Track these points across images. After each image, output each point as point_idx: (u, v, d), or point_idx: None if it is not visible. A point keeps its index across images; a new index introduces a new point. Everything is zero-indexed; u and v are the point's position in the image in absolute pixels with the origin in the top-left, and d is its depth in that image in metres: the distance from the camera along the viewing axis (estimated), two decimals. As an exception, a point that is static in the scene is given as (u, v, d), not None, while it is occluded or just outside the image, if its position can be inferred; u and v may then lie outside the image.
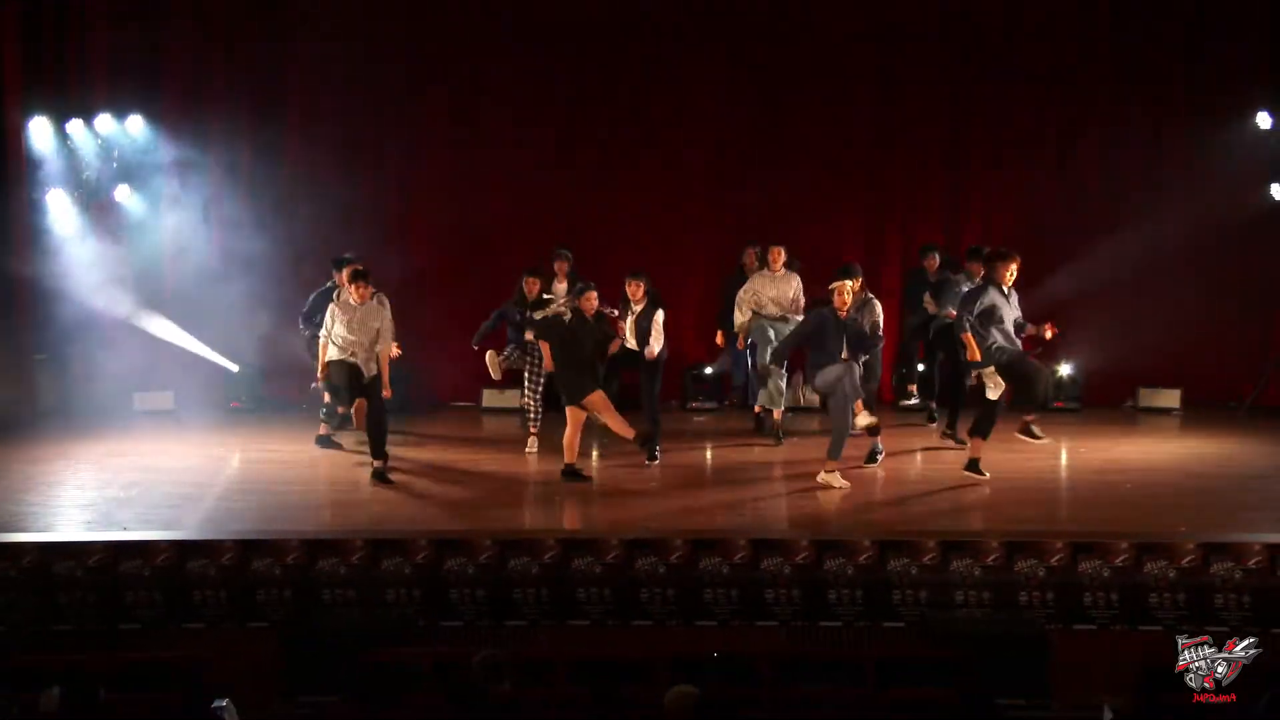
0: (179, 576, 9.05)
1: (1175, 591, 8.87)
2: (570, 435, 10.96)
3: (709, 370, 14.52)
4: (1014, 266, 10.48)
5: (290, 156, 15.25)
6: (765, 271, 12.64)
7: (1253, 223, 14.70)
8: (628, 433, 10.90)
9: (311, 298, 12.28)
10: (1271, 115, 14.28)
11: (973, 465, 10.75)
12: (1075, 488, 10.70)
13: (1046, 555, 8.96)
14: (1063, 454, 12.30)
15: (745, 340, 12.74)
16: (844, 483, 10.65)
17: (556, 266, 13.16)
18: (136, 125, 14.50)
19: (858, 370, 10.72)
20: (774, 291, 12.48)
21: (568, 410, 10.98)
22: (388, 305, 11.51)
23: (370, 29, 15.13)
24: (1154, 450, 12.70)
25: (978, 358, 10.54)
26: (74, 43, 14.67)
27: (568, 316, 11.18)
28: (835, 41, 15.17)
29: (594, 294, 11.05)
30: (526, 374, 12.20)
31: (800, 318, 12.25)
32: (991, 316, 10.45)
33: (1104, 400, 14.99)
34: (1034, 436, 10.75)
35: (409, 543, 9.17)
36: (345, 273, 11.36)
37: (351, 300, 10.91)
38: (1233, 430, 13.55)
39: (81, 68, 14.68)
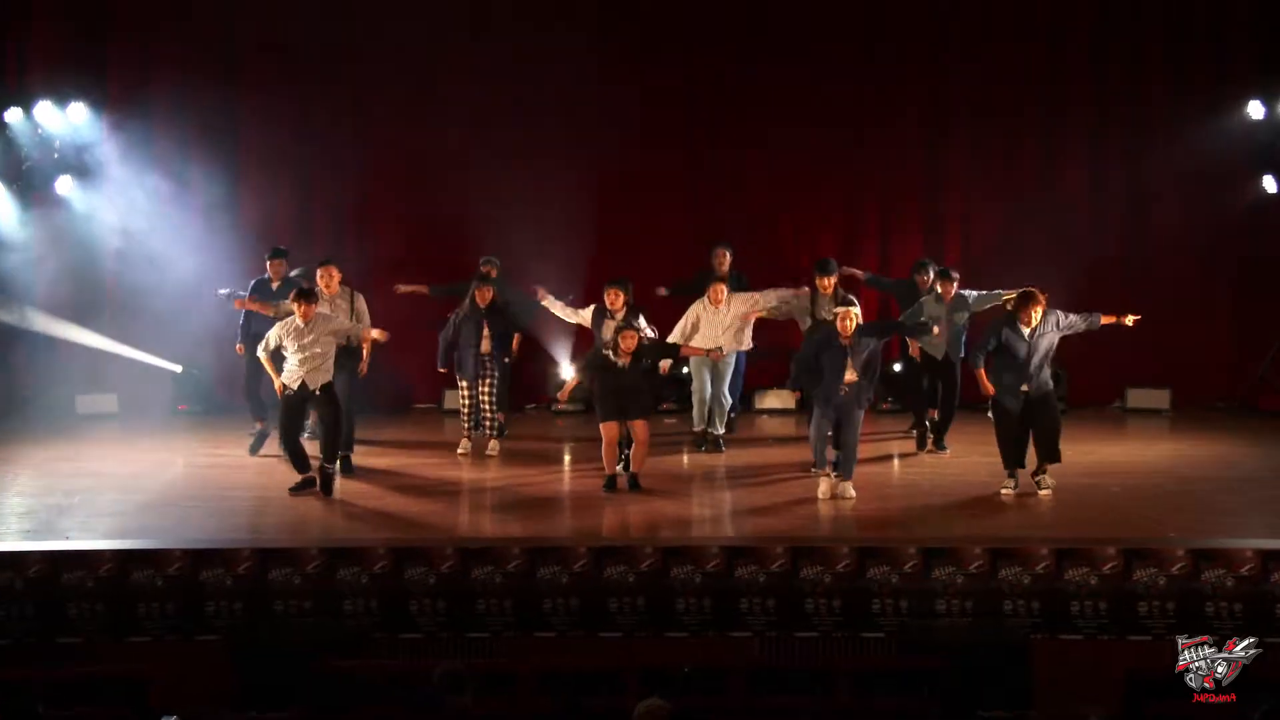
0: (124, 588, 8.99)
1: (1165, 599, 8.91)
2: (605, 449, 10.94)
3: (685, 370, 14.50)
4: (1035, 310, 10.45)
5: (243, 148, 15.20)
6: (706, 303, 12.46)
7: (1245, 216, 14.81)
8: (638, 465, 10.96)
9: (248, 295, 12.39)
10: (1263, 104, 14.37)
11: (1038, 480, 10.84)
12: (1061, 492, 10.74)
13: (1031, 562, 9.00)
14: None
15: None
16: (853, 493, 10.65)
17: (485, 270, 13.19)
18: (79, 114, 14.41)
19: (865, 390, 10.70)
20: (711, 329, 12.39)
21: (601, 425, 10.97)
22: (359, 300, 11.80)
23: (327, 16, 15.10)
24: (1143, 453, 12.78)
25: (991, 391, 10.68)
26: (14, 27, 14.58)
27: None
28: (811, 38, 15.21)
29: (634, 334, 10.88)
30: (468, 378, 12.30)
31: (745, 349, 12.47)
32: (1002, 357, 10.59)
33: (1091, 401, 15.06)
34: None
35: (366, 552, 9.13)
36: (287, 289, 11.52)
37: (298, 321, 10.76)
38: (1224, 432, 13.63)
39: (20, 53, 14.59)
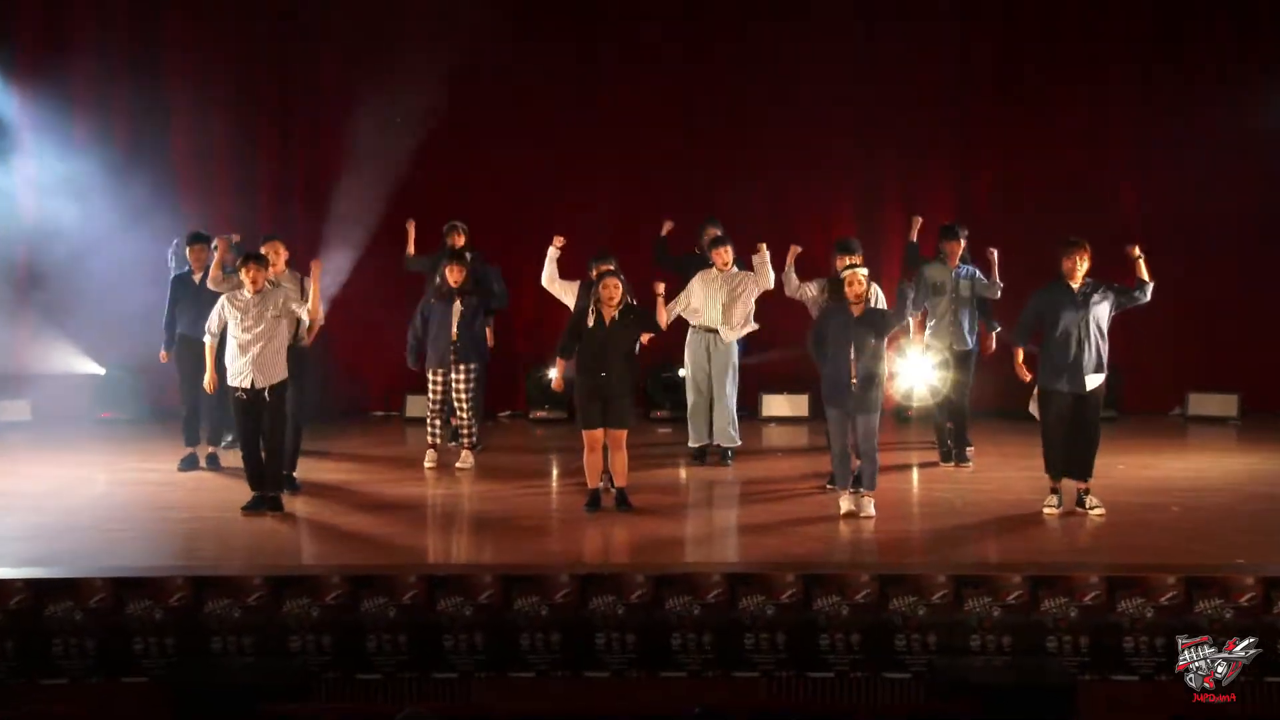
0: (37, 622, 8.96)
1: (1232, 635, 8.91)
2: (587, 458, 10.95)
3: (681, 373, 14.49)
4: (1080, 258, 10.50)
5: (175, 120, 15.22)
6: (709, 270, 12.50)
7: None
8: (622, 478, 10.97)
9: (169, 293, 12.46)
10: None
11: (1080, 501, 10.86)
12: (1113, 512, 10.76)
13: (1079, 593, 9.00)
14: (1095, 472, 12.39)
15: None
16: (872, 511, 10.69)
17: (450, 241, 13.26)
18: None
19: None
20: (723, 298, 12.37)
21: (583, 433, 10.95)
22: (310, 285, 11.65)
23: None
24: (1207, 467, 12.81)
25: (1027, 378, 10.67)
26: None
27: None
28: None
29: (616, 282, 10.80)
30: (435, 368, 12.37)
31: (749, 328, 12.41)
32: (1045, 325, 10.62)
33: (1147, 407, 15.09)
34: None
35: (317, 580, 9.12)
36: (208, 251, 11.82)
37: (246, 290, 10.79)
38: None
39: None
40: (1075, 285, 10.55)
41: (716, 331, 12.41)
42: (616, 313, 10.78)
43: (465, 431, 12.45)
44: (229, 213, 14.67)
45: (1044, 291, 10.70)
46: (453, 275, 12.28)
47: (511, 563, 9.59)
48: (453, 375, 12.31)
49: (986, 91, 15.47)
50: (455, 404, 12.42)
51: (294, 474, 11.70)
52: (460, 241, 13.32)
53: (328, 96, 15.39)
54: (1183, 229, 15.10)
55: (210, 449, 12.58)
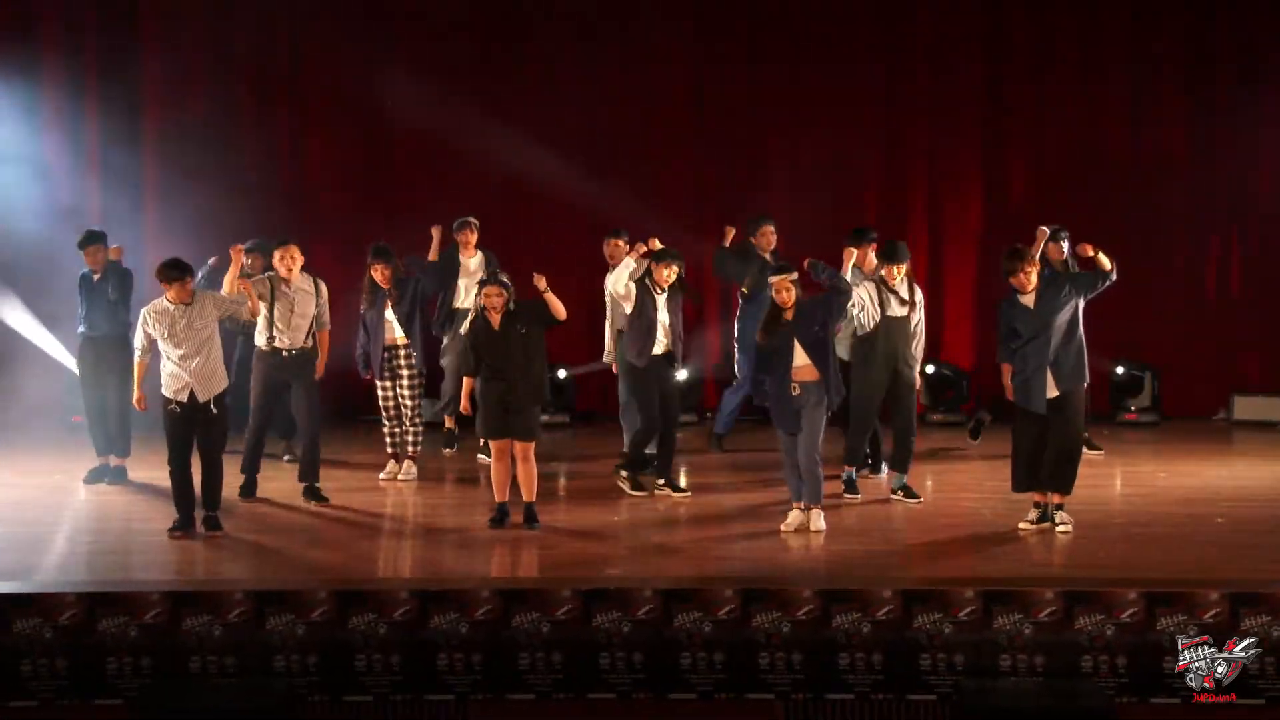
0: (3, 641, 8.96)
1: (1282, 654, 8.92)
2: (493, 467, 10.95)
3: (683, 374, 14.46)
4: (1027, 270, 10.27)
5: (148, 93, 15.24)
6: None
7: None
8: (529, 495, 10.88)
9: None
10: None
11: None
12: (1154, 523, 10.75)
13: (1116, 609, 8.97)
14: (1134, 480, 12.37)
15: None
16: (821, 525, 10.63)
17: (461, 239, 13.25)
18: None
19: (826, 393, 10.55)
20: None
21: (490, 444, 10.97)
22: (323, 289, 11.74)
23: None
24: (1253, 475, 12.77)
25: (1011, 396, 10.60)
26: None
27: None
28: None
29: (498, 289, 10.60)
30: (383, 387, 12.41)
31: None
32: (1016, 341, 10.49)
33: (1188, 411, 15.05)
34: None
35: (302, 595, 9.11)
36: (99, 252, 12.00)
37: (167, 302, 10.51)
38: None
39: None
40: (1029, 297, 10.42)
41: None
42: (500, 319, 10.65)
43: (409, 439, 12.45)
44: (205, 188, 14.70)
45: (1006, 305, 10.53)
46: (378, 274, 12.16)
47: (509, 576, 9.57)
48: (397, 386, 12.36)
49: (1020, 69, 15.42)
50: (404, 414, 12.45)
51: (317, 484, 11.67)
52: (472, 239, 13.25)
53: (309, 63, 15.38)
54: (1230, 219, 15.07)
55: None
